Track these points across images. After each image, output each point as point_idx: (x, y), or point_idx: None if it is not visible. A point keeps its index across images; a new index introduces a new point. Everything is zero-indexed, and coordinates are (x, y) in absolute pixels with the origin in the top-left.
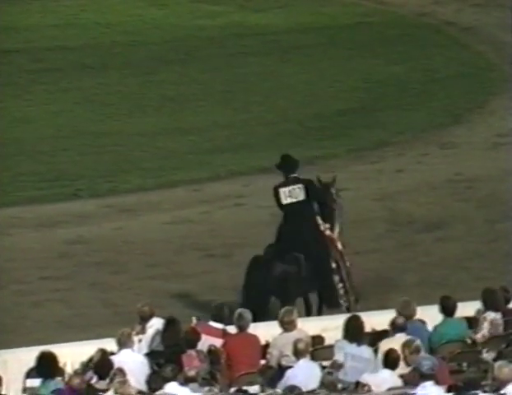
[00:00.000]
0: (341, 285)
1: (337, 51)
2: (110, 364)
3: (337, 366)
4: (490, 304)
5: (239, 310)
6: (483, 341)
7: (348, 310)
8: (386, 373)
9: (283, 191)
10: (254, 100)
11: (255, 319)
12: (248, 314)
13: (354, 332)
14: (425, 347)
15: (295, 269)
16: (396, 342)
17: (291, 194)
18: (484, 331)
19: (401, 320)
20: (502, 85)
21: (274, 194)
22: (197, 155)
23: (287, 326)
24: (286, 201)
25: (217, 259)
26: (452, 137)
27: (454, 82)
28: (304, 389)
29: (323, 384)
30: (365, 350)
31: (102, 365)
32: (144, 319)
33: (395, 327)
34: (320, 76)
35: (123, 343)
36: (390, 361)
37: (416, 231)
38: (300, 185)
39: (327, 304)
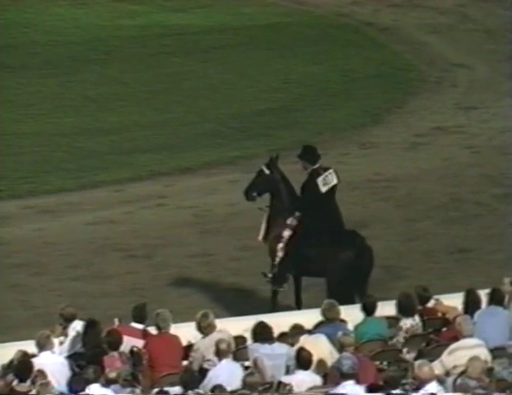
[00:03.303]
0: None
1: (257, 51)
2: (31, 367)
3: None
4: (405, 309)
5: (159, 311)
6: (403, 341)
7: None
8: (301, 373)
9: (319, 180)
10: (175, 100)
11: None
12: (168, 314)
13: (262, 332)
14: None
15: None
16: (308, 344)
17: (326, 181)
18: (399, 338)
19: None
20: (420, 85)
21: (309, 186)
22: (118, 156)
23: (205, 330)
24: (324, 188)
25: (139, 260)
26: (371, 137)
27: (373, 82)
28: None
29: (244, 385)
30: (278, 347)
31: (22, 368)
32: (67, 321)
33: (297, 332)
34: (240, 77)
35: (43, 345)
36: (302, 361)
37: None
38: (330, 171)
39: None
